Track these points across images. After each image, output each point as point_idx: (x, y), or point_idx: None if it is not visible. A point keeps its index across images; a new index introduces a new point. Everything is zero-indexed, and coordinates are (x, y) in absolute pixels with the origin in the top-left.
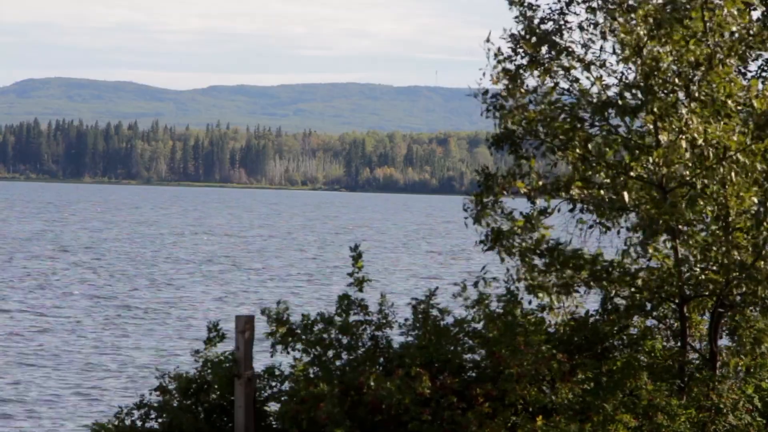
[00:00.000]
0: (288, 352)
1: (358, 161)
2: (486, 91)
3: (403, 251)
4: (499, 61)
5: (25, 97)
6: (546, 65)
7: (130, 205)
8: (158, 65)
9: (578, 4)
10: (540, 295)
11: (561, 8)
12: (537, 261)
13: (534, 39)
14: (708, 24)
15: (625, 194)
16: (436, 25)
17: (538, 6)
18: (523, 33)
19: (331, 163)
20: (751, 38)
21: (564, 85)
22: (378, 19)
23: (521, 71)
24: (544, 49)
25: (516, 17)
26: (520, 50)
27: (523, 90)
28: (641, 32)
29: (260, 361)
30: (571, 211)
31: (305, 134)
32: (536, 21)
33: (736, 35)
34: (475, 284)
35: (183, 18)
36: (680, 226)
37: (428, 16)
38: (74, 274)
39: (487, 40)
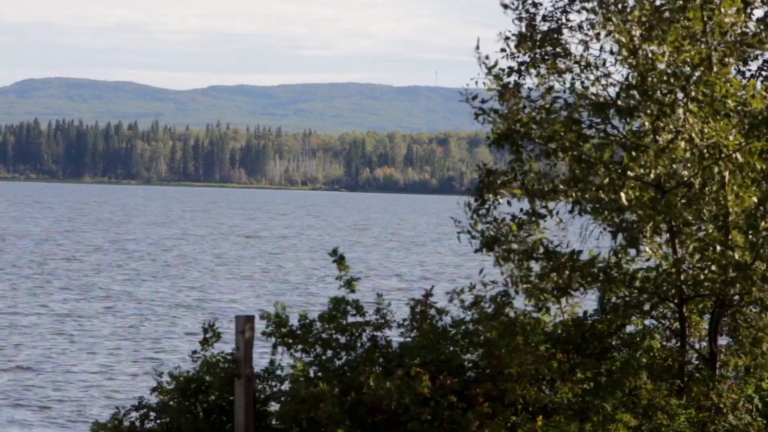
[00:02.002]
0: (291, 354)
1: (358, 161)
2: (475, 96)
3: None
4: (495, 65)
5: (25, 97)
6: (549, 63)
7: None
8: (158, 65)
9: (574, 2)
10: (542, 297)
11: (564, 6)
12: (534, 265)
13: (538, 36)
14: (707, 24)
15: (623, 194)
16: (436, 25)
17: (541, 3)
18: (524, 31)
19: (331, 163)
20: (750, 38)
21: (559, 86)
22: (378, 19)
23: (522, 68)
24: (546, 48)
25: (516, 17)
26: (522, 46)
27: (517, 96)
28: (636, 33)
29: (259, 361)
30: (570, 212)
31: (305, 134)
32: (538, 18)
33: (735, 35)
34: (472, 287)
35: (183, 18)
36: (677, 226)
37: (428, 16)
38: (76, 272)
39: (477, 48)
